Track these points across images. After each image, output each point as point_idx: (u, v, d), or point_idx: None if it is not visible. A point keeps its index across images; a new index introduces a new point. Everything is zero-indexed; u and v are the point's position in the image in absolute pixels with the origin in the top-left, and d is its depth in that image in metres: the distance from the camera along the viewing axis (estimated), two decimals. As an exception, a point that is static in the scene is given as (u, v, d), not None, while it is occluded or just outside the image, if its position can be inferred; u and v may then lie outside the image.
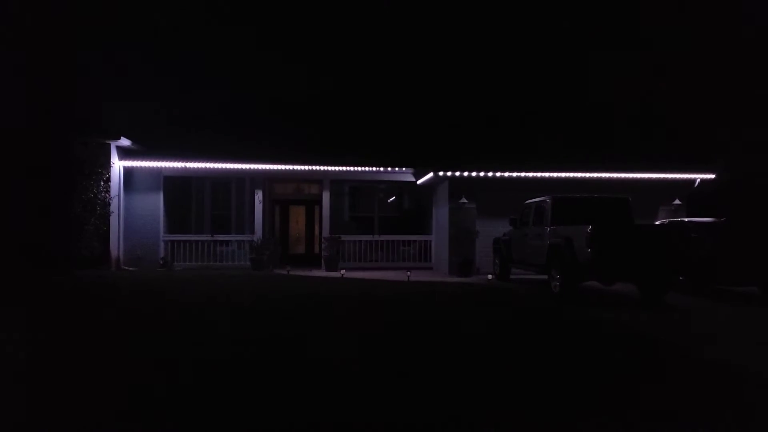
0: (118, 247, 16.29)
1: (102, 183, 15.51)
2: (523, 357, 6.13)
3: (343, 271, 15.73)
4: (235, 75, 22.45)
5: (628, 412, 4.31)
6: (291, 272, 15.83)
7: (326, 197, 18.07)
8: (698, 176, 16.83)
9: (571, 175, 16.26)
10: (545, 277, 11.82)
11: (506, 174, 16.07)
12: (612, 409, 4.39)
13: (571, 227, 10.77)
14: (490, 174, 16.06)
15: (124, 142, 15.93)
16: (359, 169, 17.27)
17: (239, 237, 17.81)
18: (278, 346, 6.47)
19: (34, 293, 10.89)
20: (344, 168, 17.21)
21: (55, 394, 4.63)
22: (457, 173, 16.05)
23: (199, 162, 16.74)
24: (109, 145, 15.86)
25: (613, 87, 22.99)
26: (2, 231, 13.53)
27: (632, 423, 4.06)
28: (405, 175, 18.18)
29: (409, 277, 14.64)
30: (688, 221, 12.65)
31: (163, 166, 16.73)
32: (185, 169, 16.91)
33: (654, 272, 10.37)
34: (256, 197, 17.82)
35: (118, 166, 16.27)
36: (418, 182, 18.46)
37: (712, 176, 16.84)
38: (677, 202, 16.80)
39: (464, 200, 16.17)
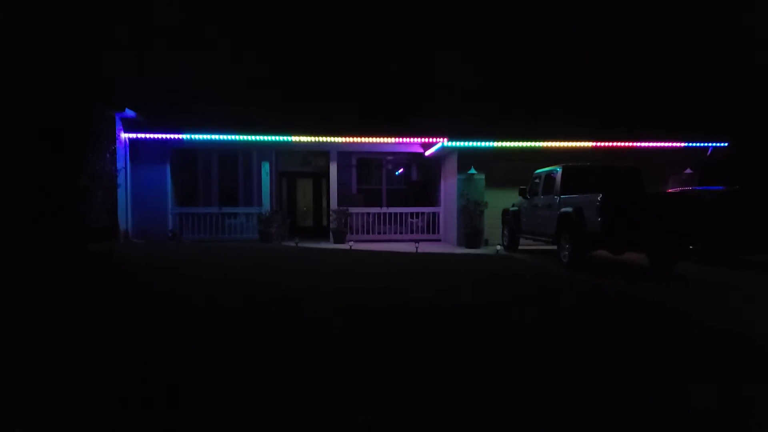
0: (126, 220, 16.31)
1: (108, 155, 15.46)
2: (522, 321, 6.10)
3: (351, 243, 15.70)
4: (242, 47, 22.19)
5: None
6: (299, 244, 15.80)
7: (333, 169, 17.96)
8: (711, 144, 16.59)
9: (581, 144, 16.04)
10: (554, 248, 11.75)
11: (515, 144, 15.87)
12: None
13: (581, 196, 10.63)
14: (498, 144, 15.86)
15: (129, 113, 15.84)
16: (367, 140, 17.08)
17: (247, 210, 17.78)
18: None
19: (43, 268, 10.91)
20: (352, 139, 17.03)
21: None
22: (466, 144, 15.88)
23: (205, 134, 16.62)
24: (114, 116, 15.77)
25: (623, 56, 22.61)
26: (9, 204, 13.54)
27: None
28: (413, 146, 18.03)
29: (417, 248, 14.59)
30: (700, 189, 12.48)
31: (169, 138, 16.62)
32: (192, 141, 16.80)
33: (665, 242, 10.26)
34: (263, 169, 17.73)
35: (123, 138, 16.21)
36: (426, 154, 18.31)
37: (725, 144, 16.60)
38: (689, 171, 16.60)
39: (473, 171, 16.02)
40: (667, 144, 16.35)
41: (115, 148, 15.72)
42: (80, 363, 4.58)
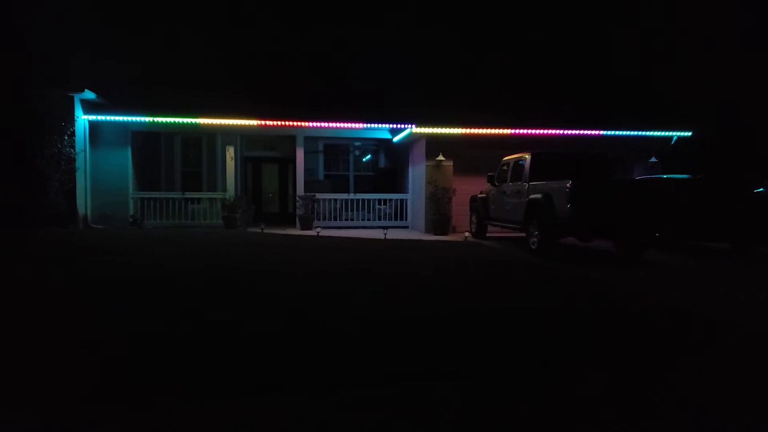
0: (86, 205, 15.77)
1: (66, 137, 14.81)
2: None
3: (318, 230, 15.48)
4: (206, 28, 21.62)
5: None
6: (265, 230, 15.51)
7: (300, 155, 17.62)
8: (675, 133, 16.84)
9: (549, 132, 16.09)
10: (522, 235, 11.77)
11: (483, 131, 15.85)
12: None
13: (550, 183, 10.64)
14: (467, 131, 15.82)
15: (89, 95, 15.27)
16: (334, 125, 16.81)
17: (211, 195, 17.37)
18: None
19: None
20: (319, 124, 16.73)
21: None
22: (435, 130, 15.77)
23: (167, 116, 16.07)
24: (73, 98, 15.19)
25: (592, 46, 22.79)
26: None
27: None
28: (381, 132, 17.82)
29: (386, 235, 14.47)
30: (666, 177, 12.63)
31: (130, 120, 16.06)
32: (154, 123, 16.23)
33: (633, 229, 10.35)
34: (227, 154, 17.32)
35: (83, 120, 15.62)
36: (395, 140, 18.15)
37: (689, 134, 16.87)
38: (654, 159, 16.82)
39: (441, 158, 15.95)
40: (632, 133, 16.53)
41: (74, 130, 15.12)
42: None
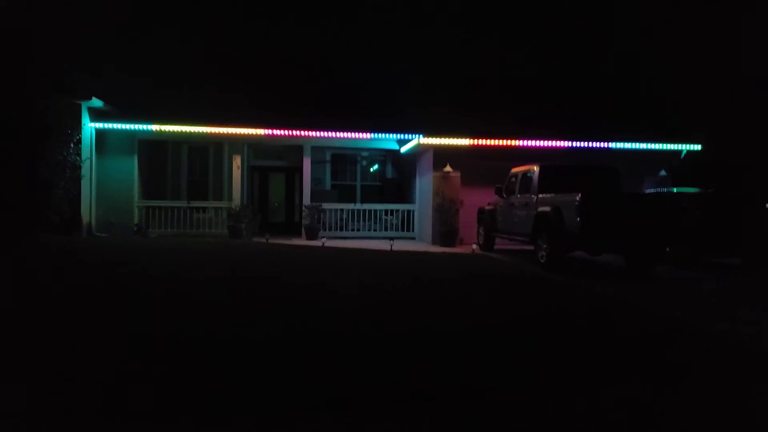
0: (90, 213, 15.71)
1: (72, 145, 14.82)
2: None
3: (324, 240, 15.36)
4: (214, 36, 21.65)
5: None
6: (270, 240, 15.40)
7: (307, 164, 17.53)
8: (685, 146, 16.66)
9: (557, 144, 15.95)
10: (530, 248, 11.59)
11: (492, 142, 15.71)
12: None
13: (559, 196, 10.49)
14: (475, 142, 15.70)
15: (96, 102, 15.27)
16: (342, 135, 16.71)
17: (217, 204, 17.29)
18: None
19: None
20: (326, 134, 16.63)
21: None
22: (442, 141, 15.67)
23: (175, 125, 16.03)
24: (80, 105, 15.16)
25: (600, 58, 22.68)
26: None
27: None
28: (388, 142, 17.70)
29: (392, 246, 14.33)
30: (676, 192, 12.45)
31: (137, 128, 16.03)
32: (161, 132, 16.19)
33: (644, 243, 10.17)
34: (234, 163, 17.25)
35: (90, 127, 15.60)
36: (402, 150, 18.04)
37: (699, 147, 16.68)
38: (663, 172, 16.64)
39: (449, 169, 15.83)
40: (642, 146, 16.36)
41: (80, 137, 15.11)
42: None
